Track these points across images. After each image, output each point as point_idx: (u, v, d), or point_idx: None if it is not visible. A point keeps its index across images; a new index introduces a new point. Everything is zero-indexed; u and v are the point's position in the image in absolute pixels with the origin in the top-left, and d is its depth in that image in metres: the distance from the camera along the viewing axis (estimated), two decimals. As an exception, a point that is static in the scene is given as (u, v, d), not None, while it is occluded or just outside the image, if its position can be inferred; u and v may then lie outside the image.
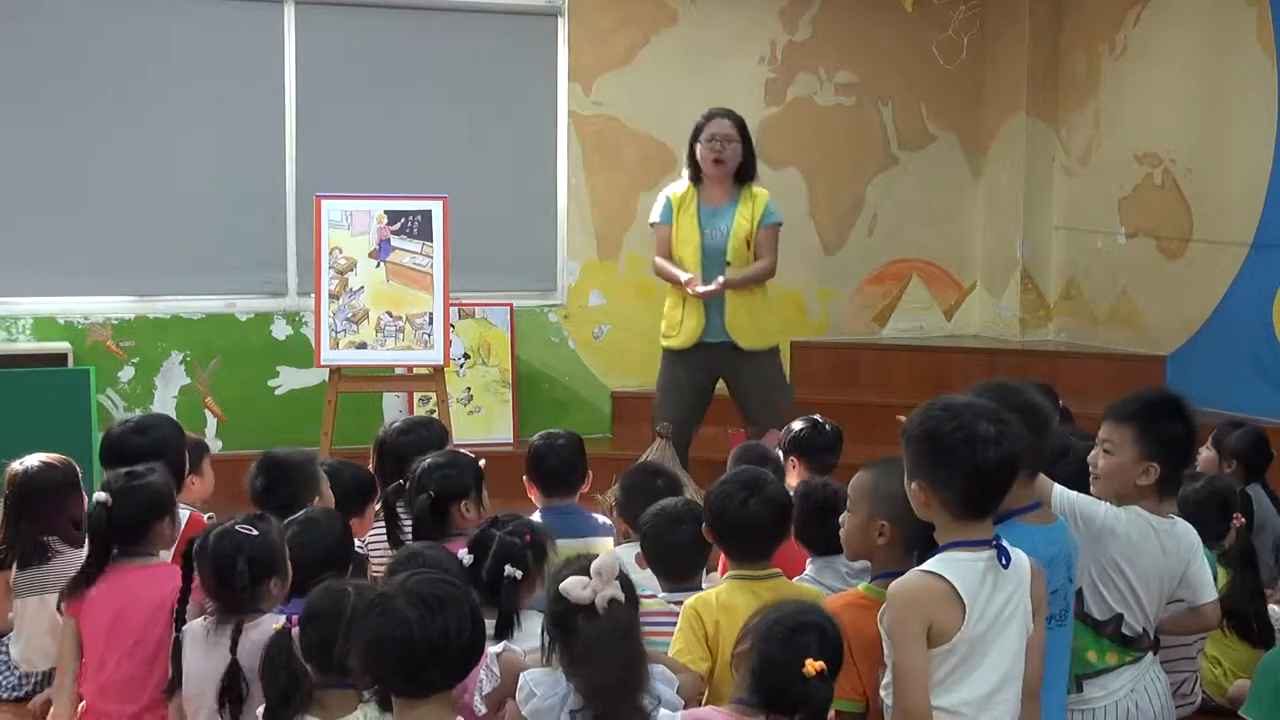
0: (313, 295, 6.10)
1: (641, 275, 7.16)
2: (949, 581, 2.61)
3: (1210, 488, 4.07)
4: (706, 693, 2.97)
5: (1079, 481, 3.18)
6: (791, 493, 3.52)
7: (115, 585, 3.41)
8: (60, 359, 6.41)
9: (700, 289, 5.57)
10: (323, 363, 5.97)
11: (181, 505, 3.78)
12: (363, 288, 5.97)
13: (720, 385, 5.82)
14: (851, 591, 3.03)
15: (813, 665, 2.47)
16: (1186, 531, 3.26)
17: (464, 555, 3.17)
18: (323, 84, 7.05)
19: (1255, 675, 3.27)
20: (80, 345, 6.61)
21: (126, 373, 6.75)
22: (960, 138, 8.20)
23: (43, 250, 6.68)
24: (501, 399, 7.22)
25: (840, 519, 3.14)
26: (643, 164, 7.34)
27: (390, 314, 5.97)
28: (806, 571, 3.54)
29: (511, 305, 7.33)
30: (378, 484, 4.19)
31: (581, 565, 2.67)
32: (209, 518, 3.94)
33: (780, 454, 4.49)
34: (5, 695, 4.10)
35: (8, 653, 4.12)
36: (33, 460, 4.07)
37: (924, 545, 2.79)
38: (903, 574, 2.82)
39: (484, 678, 2.84)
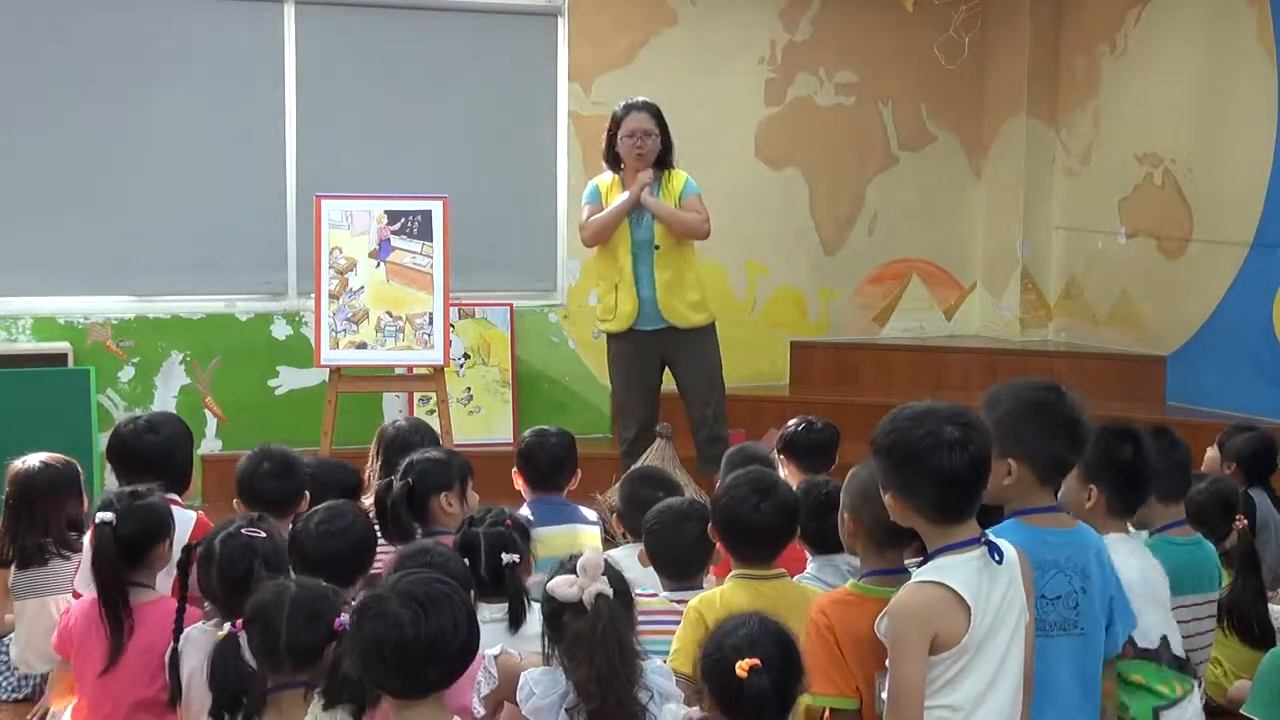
0: (313, 295, 6.09)
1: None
2: (949, 588, 2.59)
3: (1214, 489, 4.07)
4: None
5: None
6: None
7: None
8: (60, 359, 6.40)
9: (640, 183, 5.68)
10: (323, 363, 5.97)
11: (180, 507, 3.76)
12: (363, 288, 5.96)
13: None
14: (839, 589, 3.02)
15: (742, 667, 2.47)
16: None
17: None
18: (323, 84, 7.05)
19: (1258, 674, 3.29)
20: (80, 345, 6.60)
21: (126, 373, 6.75)
22: (960, 138, 8.20)
23: (43, 250, 6.68)
24: (501, 399, 7.21)
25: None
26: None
27: (390, 314, 5.96)
28: (808, 569, 3.54)
29: (511, 305, 7.32)
30: (372, 484, 4.18)
31: (571, 565, 2.70)
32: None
33: (776, 453, 4.48)
34: (5, 697, 4.10)
35: (8, 654, 4.12)
36: (34, 459, 4.07)
37: (895, 535, 2.78)
38: (887, 572, 2.85)
39: (481, 679, 2.85)
